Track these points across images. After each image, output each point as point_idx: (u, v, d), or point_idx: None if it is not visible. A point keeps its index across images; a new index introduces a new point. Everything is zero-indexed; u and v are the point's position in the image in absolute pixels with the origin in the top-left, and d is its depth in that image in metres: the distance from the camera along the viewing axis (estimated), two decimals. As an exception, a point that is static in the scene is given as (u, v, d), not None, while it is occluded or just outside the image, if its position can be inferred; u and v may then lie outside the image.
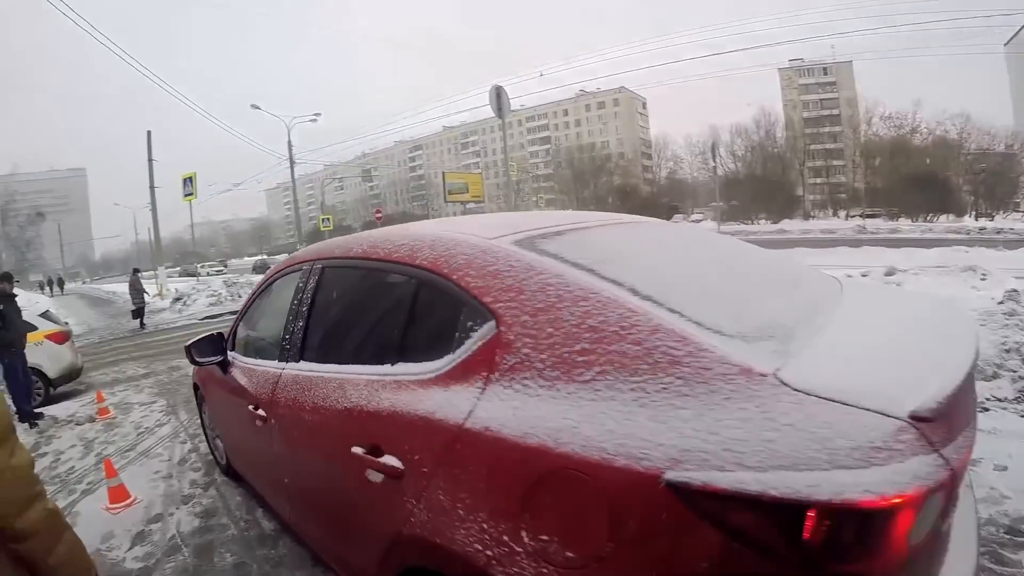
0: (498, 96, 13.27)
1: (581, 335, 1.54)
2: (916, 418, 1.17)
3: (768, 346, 1.46)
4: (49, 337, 9.72)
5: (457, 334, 1.84)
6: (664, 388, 1.36)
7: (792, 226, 46.26)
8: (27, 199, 77.61)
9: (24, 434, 7.40)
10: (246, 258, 79.14)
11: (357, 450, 2.00)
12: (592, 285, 1.65)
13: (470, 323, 1.81)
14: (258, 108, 34.52)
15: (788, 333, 1.56)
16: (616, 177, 75.21)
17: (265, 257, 61.58)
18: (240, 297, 22.48)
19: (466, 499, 1.58)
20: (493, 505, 1.51)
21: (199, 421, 5.82)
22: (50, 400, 9.29)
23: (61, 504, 4.95)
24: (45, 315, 10.29)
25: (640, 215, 3.27)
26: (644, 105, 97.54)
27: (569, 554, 1.35)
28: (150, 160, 28.16)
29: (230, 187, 56.27)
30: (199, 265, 55.94)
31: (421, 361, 1.95)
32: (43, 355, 9.46)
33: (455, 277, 1.91)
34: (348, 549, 2.38)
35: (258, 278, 27.46)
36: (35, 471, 1.57)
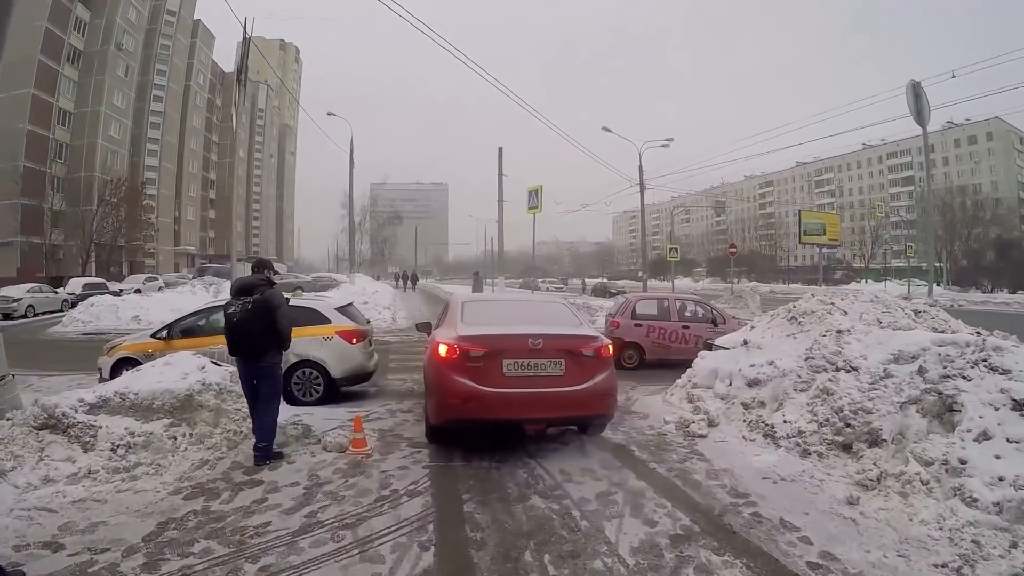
0: (916, 95, 9.78)
1: (449, 314, 6.87)
2: (459, 336, 5.84)
3: (476, 325, 6.14)
4: (341, 333, 8.91)
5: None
6: (448, 326, 6.43)
7: None
8: (394, 204, 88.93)
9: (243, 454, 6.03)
10: (587, 279, 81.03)
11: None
12: (457, 308, 6.69)
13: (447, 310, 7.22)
14: (609, 131, 33.46)
15: (491, 324, 6.25)
16: (993, 228, 61.36)
17: (605, 280, 61.69)
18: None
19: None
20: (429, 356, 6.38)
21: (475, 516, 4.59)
22: (330, 398, 8.71)
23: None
24: (343, 310, 9.41)
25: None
26: (1022, 140, 78.39)
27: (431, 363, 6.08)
28: (500, 175, 28.73)
29: (578, 207, 57.60)
30: (540, 280, 57.50)
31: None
32: (329, 351, 8.78)
33: (453, 303, 7.07)
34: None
35: (595, 300, 27.02)
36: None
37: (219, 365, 7.25)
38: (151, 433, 5.76)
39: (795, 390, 6.13)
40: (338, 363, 8.77)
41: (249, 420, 6.33)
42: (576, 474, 5.26)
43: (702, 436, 6.35)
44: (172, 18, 67.26)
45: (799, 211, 50.44)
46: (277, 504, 4.65)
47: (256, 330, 5.81)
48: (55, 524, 4.25)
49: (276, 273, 6.67)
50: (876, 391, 5.54)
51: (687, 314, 12.59)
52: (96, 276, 40.22)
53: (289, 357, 8.64)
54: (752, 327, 8.22)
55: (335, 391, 8.84)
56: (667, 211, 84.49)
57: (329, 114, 35.34)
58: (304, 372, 8.77)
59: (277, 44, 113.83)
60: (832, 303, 7.36)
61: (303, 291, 31.92)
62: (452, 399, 5.67)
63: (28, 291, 27.44)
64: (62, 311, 25.38)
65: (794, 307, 7.60)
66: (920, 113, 10.05)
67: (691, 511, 4.51)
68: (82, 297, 25.86)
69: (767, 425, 5.99)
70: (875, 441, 5.15)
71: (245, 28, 8.57)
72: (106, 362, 8.95)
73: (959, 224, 62.13)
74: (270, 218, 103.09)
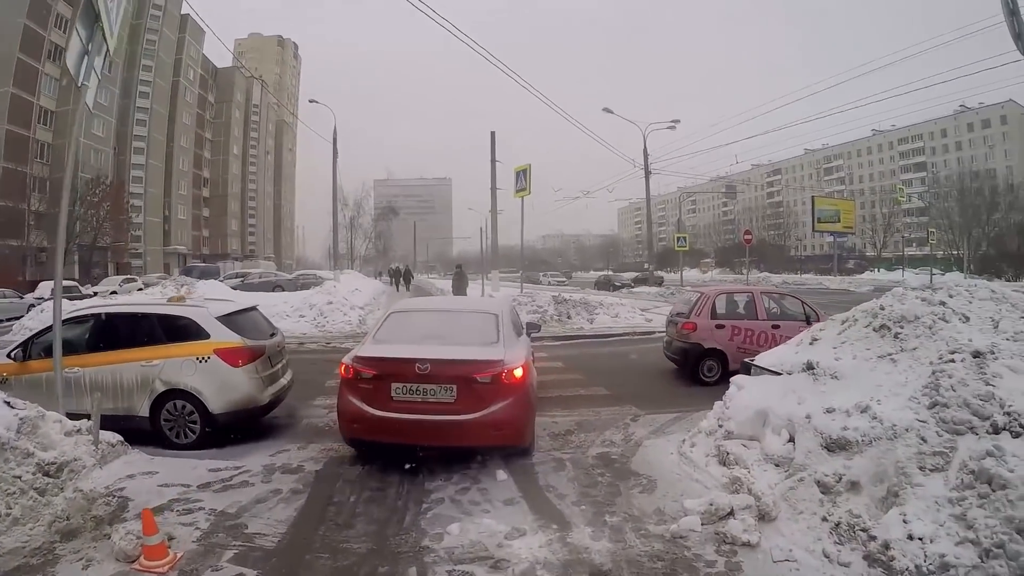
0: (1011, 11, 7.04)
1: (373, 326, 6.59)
2: (355, 357, 5.69)
3: (383, 342, 5.91)
4: (220, 352, 6.53)
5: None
6: (364, 340, 6.21)
7: None
8: (397, 200, 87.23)
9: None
10: (592, 272, 78.79)
11: None
12: (380, 320, 6.51)
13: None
14: (610, 112, 31.04)
15: (398, 341, 5.83)
16: (1014, 213, 58.83)
17: (610, 273, 60.37)
18: (570, 318, 17.45)
19: None
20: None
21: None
22: (211, 440, 6.45)
23: None
24: (230, 319, 6.93)
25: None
26: (1039, 123, 75.67)
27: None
28: (493, 161, 26.35)
29: (579, 195, 55.45)
30: (542, 274, 55.62)
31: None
32: (205, 377, 6.44)
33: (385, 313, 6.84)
34: None
35: (595, 296, 24.48)
36: None
37: (9, 406, 4.87)
38: None
39: (920, 468, 3.35)
40: (217, 393, 6.42)
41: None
42: None
43: (750, 546, 3.50)
44: (158, 12, 64.75)
45: (812, 197, 47.79)
46: None
47: None
48: None
49: None
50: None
51: (776, 311, 10.23)
52: (78, 279, 37.49)
53: (155, 385, 6.39)
54: (814, 339, 5.32)
55: (219, 429, 6.45)
56: (673, 202, 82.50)
57: (311, 101, 32.57)
58: (176, 405, 6.43)
59: (275, 40, 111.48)
60: (942, 302, 4.59)
61: (283, 289, 29.86)
62: (343, 419, 5.69)
63: (-13, 297, 24.84)
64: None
65: (883, 310, 4.76)
66: (1021, 37, 7.25)
67: None
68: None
69: (871, 538, 3.22)
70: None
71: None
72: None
73: (979, 209, 60.17)
74: (267, 216, 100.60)
